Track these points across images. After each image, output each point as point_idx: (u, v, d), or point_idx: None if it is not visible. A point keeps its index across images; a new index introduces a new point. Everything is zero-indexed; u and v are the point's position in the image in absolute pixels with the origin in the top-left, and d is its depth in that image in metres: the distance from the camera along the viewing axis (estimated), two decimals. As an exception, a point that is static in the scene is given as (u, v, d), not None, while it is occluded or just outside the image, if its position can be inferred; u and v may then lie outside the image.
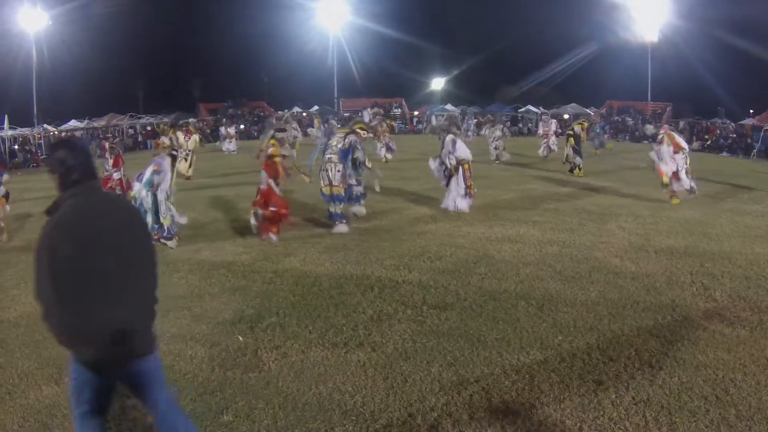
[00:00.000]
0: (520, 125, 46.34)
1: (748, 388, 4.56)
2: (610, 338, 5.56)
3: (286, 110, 14.11)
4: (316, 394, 4.59)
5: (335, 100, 51.40)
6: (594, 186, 15.96)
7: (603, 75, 47.01)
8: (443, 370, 4.96)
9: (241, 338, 5.72)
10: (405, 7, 51.72)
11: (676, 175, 12.78)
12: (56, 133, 37.24)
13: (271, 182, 9.77)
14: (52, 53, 40.05)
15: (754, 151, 30.62)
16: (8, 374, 5.13)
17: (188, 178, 18.98)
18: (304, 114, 42.39)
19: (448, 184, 12.16)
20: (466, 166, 12.05)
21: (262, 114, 49.50)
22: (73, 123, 39.25)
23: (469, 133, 34.46)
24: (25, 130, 35.58)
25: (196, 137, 20.44)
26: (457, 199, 11.98)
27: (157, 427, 3.38)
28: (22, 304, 6.84)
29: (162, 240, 9.36)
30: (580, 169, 18.68)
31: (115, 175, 14.41)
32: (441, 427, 4.12)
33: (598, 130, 27.97)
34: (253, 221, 9.89)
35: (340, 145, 10.43)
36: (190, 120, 42.22)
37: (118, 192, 14.41)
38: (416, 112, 51.14)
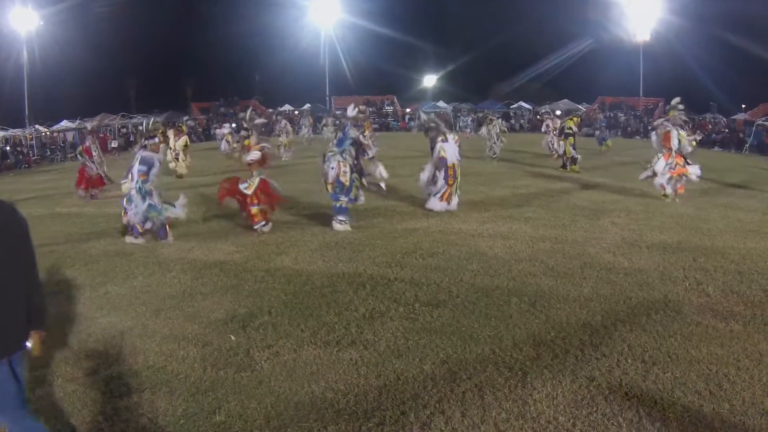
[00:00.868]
0: (512, 121, 46.38)
1: (742, 382, 4.57)
2: (603, 334, 5.56)
3: (247, 108, 14.34)
4: (308, 393, 4.57)
5: (327, 98, 51.35)
6: (586, 182, 15.99)
7: (595, 71, 47.22)
8: (436, 367, 4.94)
9: (233, 337, 5.68)
10: (397, 4, 51.86)
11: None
12: (48, 133, 37.06)
13: (263, 174, 10.15)
14: (44, 53, 39.94)
15: (746, 146, 30.77)
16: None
17: (180, 176, 18.93)
18: (296, 112, 42.35)
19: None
20: (451, 168, 11.50)
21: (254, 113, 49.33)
22: (64, 123, 38.99)
23: (467, 129, 34.53)
24: (17, 131, 35.35)
25: (185, 138, 20.34)
26: (431, 198, 11.64)
27: None
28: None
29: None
30: (575, 165, 18.69)
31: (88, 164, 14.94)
32: (434, 425, 4.11)
33: (599, 127, 27.98)
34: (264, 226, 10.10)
35: (334, 140, 10.52)
36: (185, 119, 42.11)
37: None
38: (408, 110, 51.15)
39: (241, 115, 16.28)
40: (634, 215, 11.19)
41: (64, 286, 7.48)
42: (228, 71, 56.35)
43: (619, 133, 40.34)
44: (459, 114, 44.75)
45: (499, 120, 24.56)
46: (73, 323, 6.17)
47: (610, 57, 45.18)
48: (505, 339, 5.49)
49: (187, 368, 5.05)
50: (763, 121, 31.84)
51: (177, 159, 19.43)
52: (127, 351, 5.43)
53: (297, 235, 9.88)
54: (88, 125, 28.94)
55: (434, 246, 8.97)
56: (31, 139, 35.16)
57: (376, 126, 42.44)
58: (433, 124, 12.25)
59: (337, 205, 10.21)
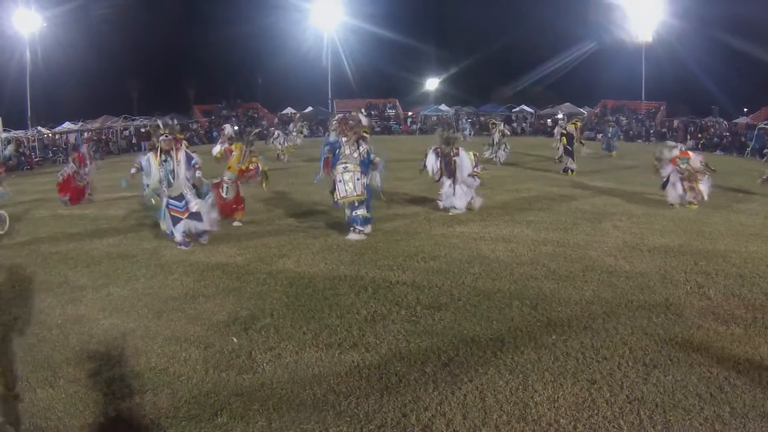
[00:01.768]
0: (515, 125, 46.37)
1: (743, 385, 4.57)
2: (604, 337, 5.57)
3: (228, 125, 14.69)
4: (310, 395, 4.58)
5: (329, 101, 51.35)
6: (588, 185, 15.99)
7: (597, 74, 47.06)
8: (437, 369, 4.96)
9: (235, 340, 5.70)
10: (399, 7, 51.67)
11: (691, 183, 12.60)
12: (50, 135, 37.11)
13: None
14: (46, 55, 39.90)
15: (748, 149, 30.70)
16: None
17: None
18: (298, 115, 42.41)
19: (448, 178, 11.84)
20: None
21: (256, 115, 49.47)
22: (67, 125, 39.06)
23: (466, 134, 34.47)
24: (19, 133, 35.40)
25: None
26: (457, 195, 11.77)
27: None
28: (16, 307, 6.81)
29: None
30: (572, 172, 18.78)
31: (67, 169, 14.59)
32: (435, 427, 4.12)
33: (610, 135, 27.88)
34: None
35: (356, 155, 9.81)
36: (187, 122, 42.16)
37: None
38: (410, 113, 51.12)
39: (227, 132, 16.60)
40: (636, 219, 11.19)
41: (66, 287, 7.51)
42: (230, 74, 56.37)
43: (621, 136, 40.29)
44: (459, 117, 44.77)
45: (502, 124, 24.48)
46: (76, 325, 6.19)
47: (612, 60, 45.09)
48: (507, 342, 5.50)
49: (189, 370, 5.07)
50: (765, 124, 31.76)
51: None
52: (129, 353, 5.44)
53: (299, 238, 9.90)
54: (85, 133, 28.80)
55: (436, 249, 8.98)
56: (34, 141, 35.20)
57: (378, 129, 42.55)
58: (452, 138, 12.29)
59: (360, 217, 9.76)
